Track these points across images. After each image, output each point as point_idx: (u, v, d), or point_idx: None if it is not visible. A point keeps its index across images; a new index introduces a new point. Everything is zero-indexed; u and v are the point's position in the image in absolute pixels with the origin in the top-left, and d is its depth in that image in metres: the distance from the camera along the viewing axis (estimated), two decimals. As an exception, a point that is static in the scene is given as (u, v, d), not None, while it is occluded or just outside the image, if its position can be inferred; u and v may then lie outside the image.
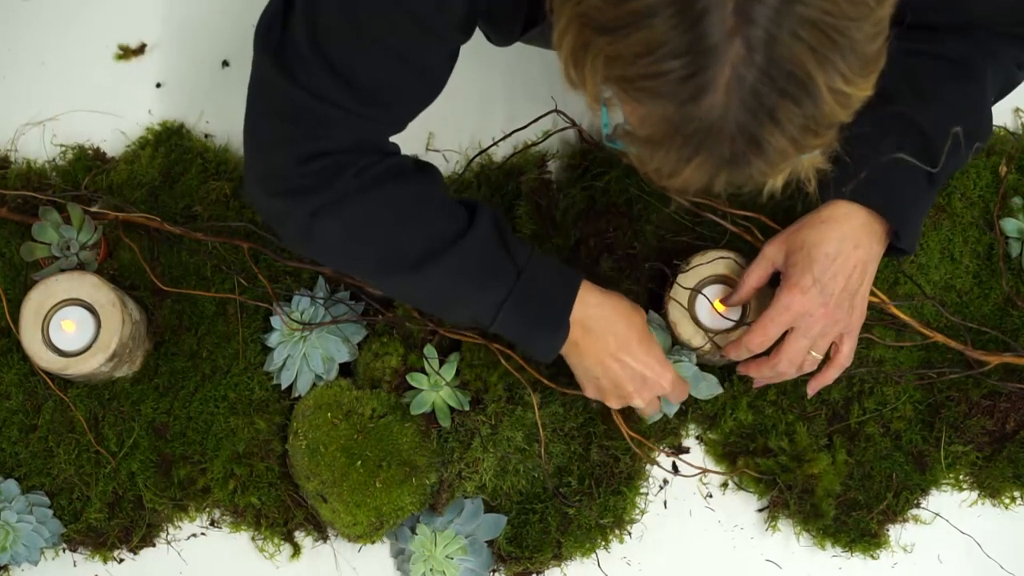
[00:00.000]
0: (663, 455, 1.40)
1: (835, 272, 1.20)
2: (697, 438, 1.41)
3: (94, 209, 1.41)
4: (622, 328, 1.24)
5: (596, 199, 1.43)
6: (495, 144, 1.45)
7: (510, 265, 1.19)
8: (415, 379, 1.34)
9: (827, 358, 1.27)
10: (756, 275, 1.27)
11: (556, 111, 1.42)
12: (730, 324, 1.34)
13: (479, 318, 1.20)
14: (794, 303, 1.22)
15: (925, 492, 1.39)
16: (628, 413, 1.34)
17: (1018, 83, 1.25)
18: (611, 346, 1.23)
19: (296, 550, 1.40)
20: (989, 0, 1.17)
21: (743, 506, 1.41)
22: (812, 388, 1.29)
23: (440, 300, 1.20)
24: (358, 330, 1.38)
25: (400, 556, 1.38)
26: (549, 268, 1.22)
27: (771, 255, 1.26)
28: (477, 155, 1.45)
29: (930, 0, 1.13)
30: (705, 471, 1.40)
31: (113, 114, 1.48)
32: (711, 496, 1.41)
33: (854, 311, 1.23)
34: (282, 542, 1.40)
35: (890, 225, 1.21)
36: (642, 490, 1.40)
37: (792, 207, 1.41)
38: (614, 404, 1.28)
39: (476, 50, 1.49)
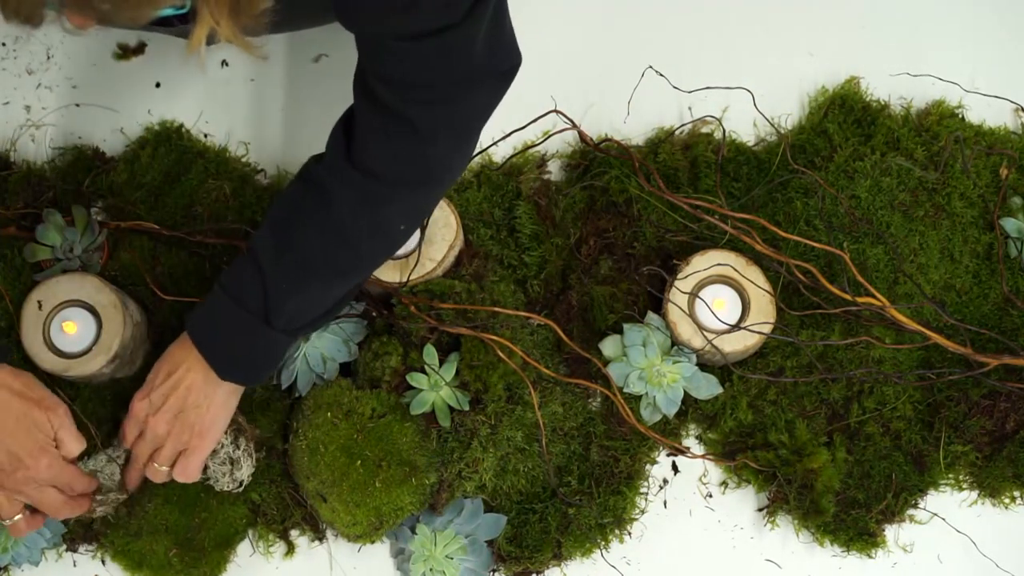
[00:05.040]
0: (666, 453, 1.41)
1: (166, 389, 1.26)
2: (697, 438, 1.41)
3: (96, 208, 1.41)
4: (5, 402, 1.24)
5: (596, 199, 1.43)
6: (495, 144, 1.45)
7: None
8: (415, 379, 1.34)
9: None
10: None
11: (556, 111, 1.43)
12: (729, 325, 1.34)
13: None
14: (132, 408, 1.29)
15: (924, 492, 1.40)
16: None
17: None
18: None
19: (290, 548, 1.40)
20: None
21: (743, 506, 1.41)
22: (131, 481, 1.31)
23: None
24: (358, 330, 1.38)
25: (400, 556, 1.39)
26: None
27: None
28: (477, 155, 1.45)
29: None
30: (706, 457, 1.40)
31: (113, 114, 1.48)
32: (711, 496, 1.41)
33: (192, 429, 1.27)
34: (278, 540, 1.40)
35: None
36: (642, 490, 1.40)
37: (792, 208, 1.41)
38: None
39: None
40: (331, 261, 1.22)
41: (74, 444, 1.26)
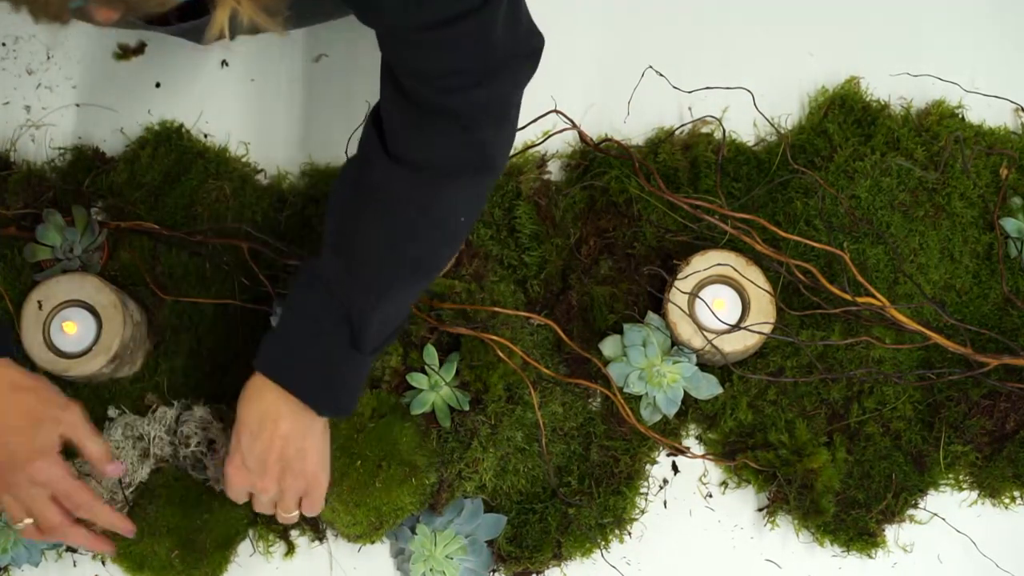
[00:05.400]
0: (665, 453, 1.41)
1: (260, 449, 1.22)
2: (697, 438, 1.41)
3: (96, 208, 1.41)
4: (4, 402, 1.20)
5: (596, 199, 1.43)
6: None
7: None
8: (415, 379, 1.34)
9: None
10: None
11: (556, 111, 1.43)
12: (729, 325, 1.34)
13: None
14: (234, 479, 1.24)
15: (924, 492, 1.40)
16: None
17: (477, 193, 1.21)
18: None
19: (290, 548, 1.40)
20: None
21: (743, 506, 1.41)
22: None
23: None
24: (358, 330, 1.38)
25: (400, 556, 1.39)
26: None
27: None
28: (477, 155, 1.45)
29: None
30: (706, 457, 1.40)
31: (113, 114, 1.48)
32: (711, 496, 1.41)
33: (305, 475, 1.24)
34: (278, 540, 1.40)
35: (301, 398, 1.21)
36: (642, 490, 1.40)
37: (792, 208, 1.41)
38: None
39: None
40: (402, 267, 1.19)
41: (93, 443, 1.22)
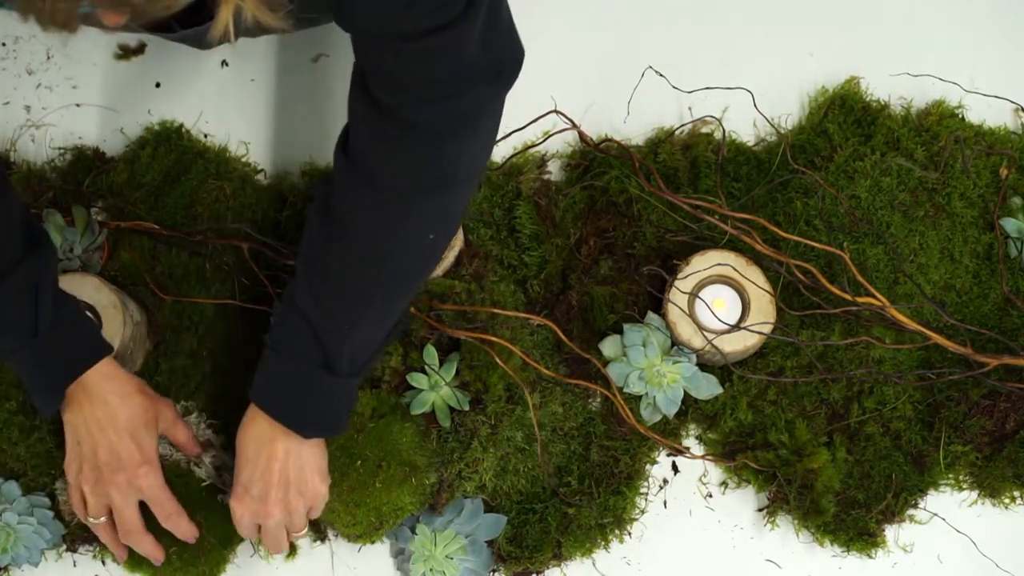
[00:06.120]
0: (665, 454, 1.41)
1: (260, 475, 1.24)
2: (697, 438, 1.41)
3: (96, 208, 1.41)
4: (119, 404, 1.25)
5: (596, 199, 1.43)
6: (495, 144, 1.45)
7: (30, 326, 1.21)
8: (415, 379, 1.34)
9: None
10: None
11: (556, 111, 1.43)
12: (729, 325, 1.34)
13: None
14: (238, 511, 1.26)
15: (924, 492, 1.40)
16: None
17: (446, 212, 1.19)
18: (99, 414, 1.24)
19: (292, 549, 1.40)
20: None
21: (743, 506, 1.41)
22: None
23: None
24: (358, 330, 1.38)
25: (400, 556, 1.39)
26: (70, 339, 1.24)
27: None
28: (477, 155, 1.45)
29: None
30: (706, 457, 1.40)
31: (113, 114, 1.48)
32: (711, 496, 1.41)
33: (307, 493, 1.26)
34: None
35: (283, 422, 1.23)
36: (642, 490, 1.40)
37: (792, 208, 1.41)
38: (88, 483, 1.26)
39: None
40: (371, 290, 1.19)
41: (182, 433, 1.32)
